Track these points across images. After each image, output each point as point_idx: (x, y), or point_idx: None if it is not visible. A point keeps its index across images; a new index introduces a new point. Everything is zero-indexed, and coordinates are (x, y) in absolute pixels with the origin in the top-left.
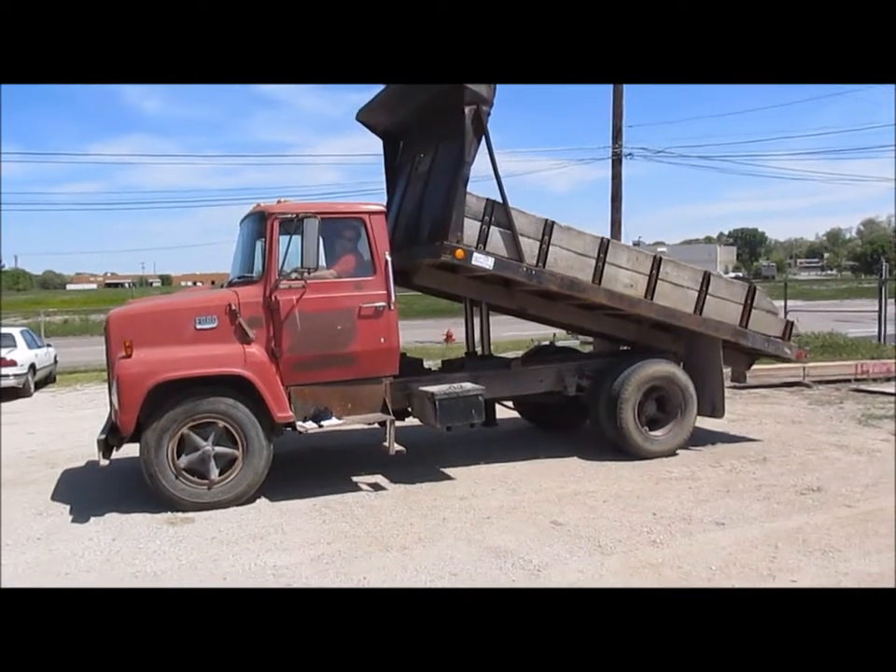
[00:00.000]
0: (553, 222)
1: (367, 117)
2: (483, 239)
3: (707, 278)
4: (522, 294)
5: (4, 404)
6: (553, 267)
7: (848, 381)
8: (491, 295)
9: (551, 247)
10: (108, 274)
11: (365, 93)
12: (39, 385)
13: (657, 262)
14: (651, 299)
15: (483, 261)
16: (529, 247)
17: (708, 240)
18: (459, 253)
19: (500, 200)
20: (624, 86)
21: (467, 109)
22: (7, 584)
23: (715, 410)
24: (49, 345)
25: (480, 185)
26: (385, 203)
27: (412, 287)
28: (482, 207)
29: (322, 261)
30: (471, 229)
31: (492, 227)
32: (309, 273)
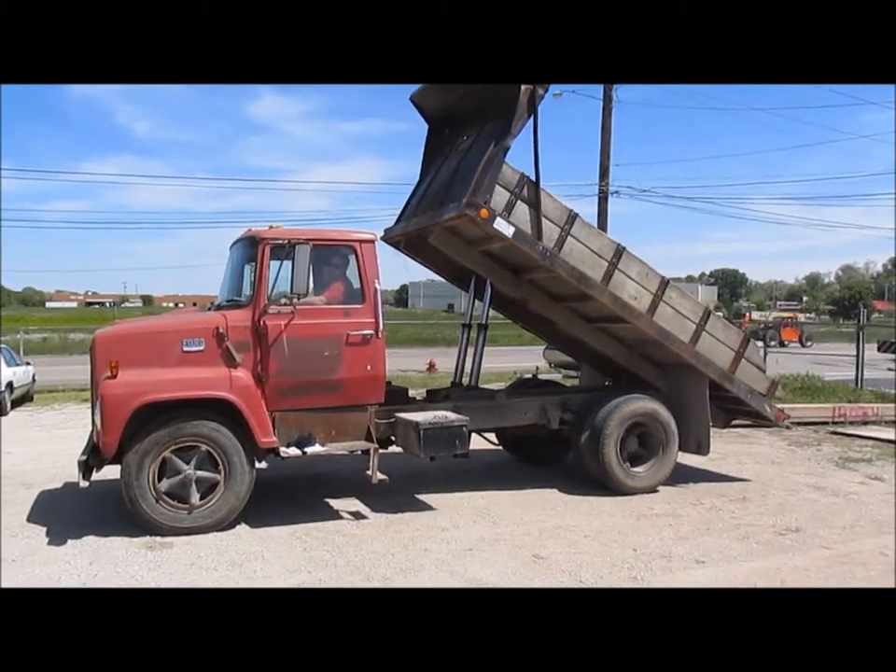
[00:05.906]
0: (577, 214)
1: (421, 98)
2: (508, 209)
3: (707, 314)
4: (528, 285)
5: None
6: (566, 257)
7: (826, 423)
8: (498, 277)
9: (569, 237)
10: (89, 293)
11: (357, 124)
12: (16, 403)
13: (664, 283)
14: (652, 317)
15: (504, 227)
16: (549, 230)
17: (690, 279)
18: (484, 212)
19: (534, 180)
20: (613, 125)
21: (524, 87)
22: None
23: (700, 447)
24: (28, 363)
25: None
26: (375, 232)
27: (420, 255)
28: (515, 179)
29: (311, 287)
30: (500, 196)
31: (519, 200)
32: (298, 299)
